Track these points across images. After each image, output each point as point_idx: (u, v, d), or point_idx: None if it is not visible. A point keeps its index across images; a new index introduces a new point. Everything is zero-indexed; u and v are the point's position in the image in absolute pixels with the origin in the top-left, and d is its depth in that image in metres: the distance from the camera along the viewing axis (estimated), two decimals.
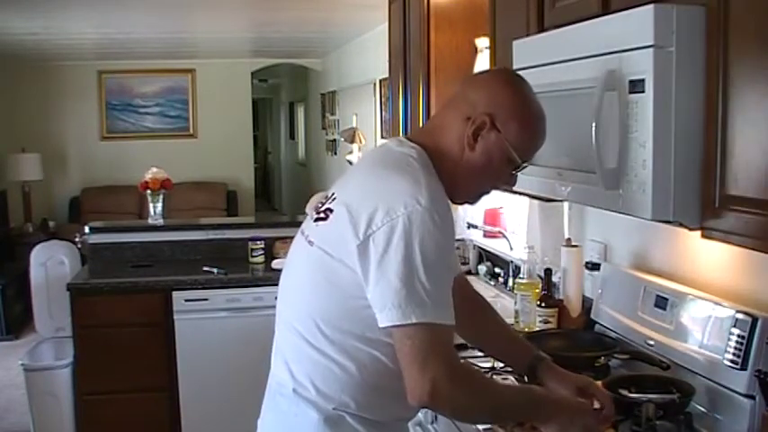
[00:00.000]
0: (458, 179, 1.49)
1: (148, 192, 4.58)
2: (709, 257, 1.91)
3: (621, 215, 1.67)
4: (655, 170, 1.45)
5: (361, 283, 1.38)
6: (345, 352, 1.44)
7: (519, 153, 1.48)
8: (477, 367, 2.12)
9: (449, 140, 1.50)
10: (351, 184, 1.52)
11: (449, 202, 1.47)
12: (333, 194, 1.50)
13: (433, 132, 1.54)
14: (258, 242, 4.23)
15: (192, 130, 8.81)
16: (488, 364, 2.10)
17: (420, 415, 2.20)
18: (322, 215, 1.48)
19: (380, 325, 1.36)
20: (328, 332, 1.44)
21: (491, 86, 1.51)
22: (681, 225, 1.52)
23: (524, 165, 1.52)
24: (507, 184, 1.56)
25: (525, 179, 2.02)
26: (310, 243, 1.49)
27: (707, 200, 1.43)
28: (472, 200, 1.60)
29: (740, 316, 1.67)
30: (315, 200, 4.84)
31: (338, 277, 1.41)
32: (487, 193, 1.59)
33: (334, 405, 1.46)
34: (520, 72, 1.99)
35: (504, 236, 3.23)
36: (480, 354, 2.10)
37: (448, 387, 1.32)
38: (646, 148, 1.46)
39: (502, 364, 2.03)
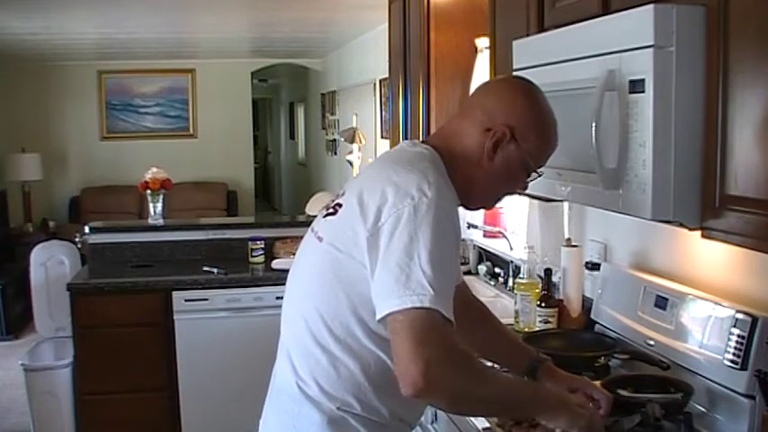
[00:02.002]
0: (474, 186, 1.52)
1: (148, 192, 4.57)
2: (709, 257, 1.91)
3: (621, 215, 1.67)
4: (655, 170, 1.45)
5: (369, 279, 1.37)
6: (350, 351, 1.44)
7: (535, 161, 1.52)
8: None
9: (465, 147, 1.51)
10: (361, 181, 1.53)
11: (456, 202, 1.48)
12: (343, 192, 1.52)
13: (448, 137, 1.56)
14: (258, 242, 4.23)
15: (192, 130, 8.81)
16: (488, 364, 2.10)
17: None
18: (331, 210, 1.50)
19: (379, 315, 1.33)
20: (334, 330, 1.44)
21: (509, 97, 1.53)
22: (681, 225, 1.52)
23: (540, 171, 1.56)
24: (522, 189, 1.59)
25: None
26: (320, 239, 1.50)
27: (707, 200, 1.43)
28: (488, 205, 1.63)
29: (740, 316, 1.67)
30: (315, 200, 4.84)
31: (347, 273, 1.42)
32: (501, 198, 1.63)
33: (338, 405, 1.45)
34: (520, 72, 2.01)
35: (504, 236, 3.23)
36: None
37: (443, 368, 1.28)
38: (646, 148, 1.46)
39: (498, 367, 2.03)
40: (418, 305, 1.28)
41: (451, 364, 1.30)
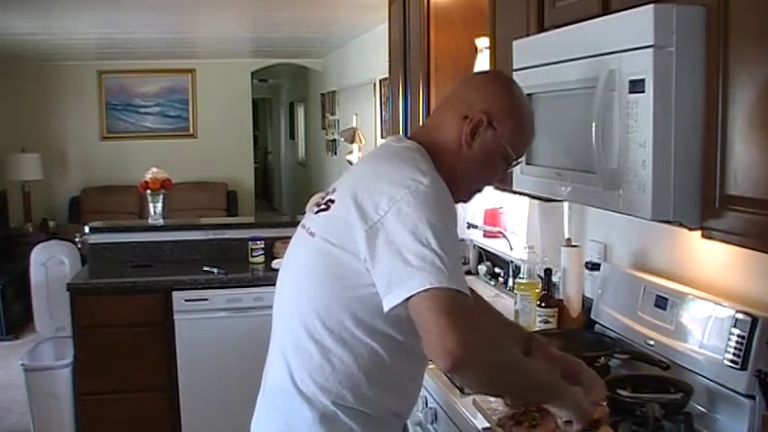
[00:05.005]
0: (456, 175, 1.53)
1: (148, 192, 4.58)
2: (709, 257, 1.91)
3: (621, 215, 1.67)
4: (655, 170, 1.45)
5: (363, 271, 1.39)
6: (344, 343, 1.45)
7: (513, 149, 1.55)
8: None
9: (446, 138, 1.55)
10: (352, 177, 1.55)
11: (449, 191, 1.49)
12: (333, 188, 1.54)
13: (430, 131, 1.59)
14: (258, 242, 4.23)
15: (192, 130, 8.81)
16: None
17: (420, 415, 2.20)
18: (323, 206, 1.52)
19: (394, 301, 1.33)
20: (327, 322, 1.45)
21: (487, 87, 1.58)
22: (681, 225, 1.52)
23: (518, 161, 1.60)
24: (501, 180, 1.63)
25: (525, 179, 2.03)
26: (312, 234, 1.51)
27: (707, 200, 1.43)
28: (467, 197, 1.64)
29: (740, 316, 1.67)
30: (315, 200, 4.84)
31: (340, 266, 1.43)
32: (481, 190, 1.64)
33: (332, 398, 1.46)
34: (520, 72, 2.01)
35: (504, 236, 3.23)
36: None
37: (477, 339, 1.30)
38: (646, 148, 1.46)
39: None
40: (436, 285, 1.30)
41: (482, 336, 1.34)
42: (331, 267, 1.45)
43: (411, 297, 1.31)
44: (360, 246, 1.39)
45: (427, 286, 1.29)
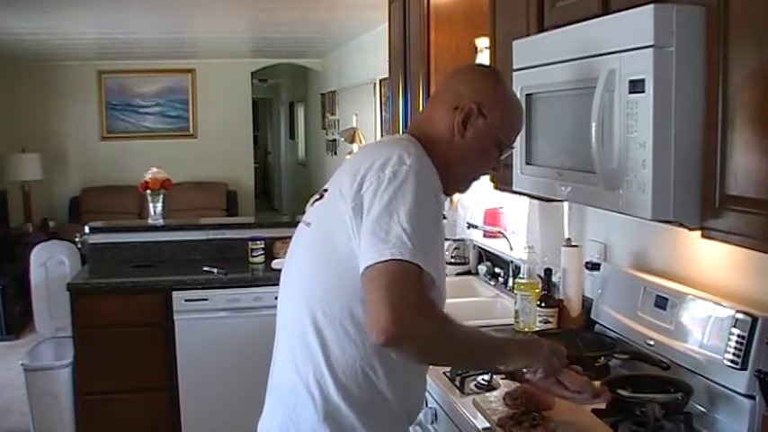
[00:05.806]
0: (450, 166, 1.56)
1: (148, 192, 4.58)
2: (709, 257, 1.91)
3: (621, 215, 1.67)
4: (655, 170, 1.45)
5: (356, 253, 1.41)
6: (345, 332, 1.46)
7: (504, 135, 1.60)
8: None
9: (438, 130, 1.58)
10: (346, 166, 1.59)
11: (438, 179, 1.51)
12: (329, 180, 1.60)
13: (422, 125, 1.63)
14: (258, 242, 4.24)
15: (191, 130, 8.81)
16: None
17: (420, 415, 2.20)
18: (318, 197, 1.58)
19: (361, 275, 1.36)
20: (329, 312, 1.47)
21: (474, 78, 1.63)
22: (681, 225, 1.52)
23: (510, 148, 1.65)
24: (495, 168, 1.65)
25: (525, 179, 2.03)
26: (308, 225, 1.56)
27: (707, 200, 1.43)
28: (463, 187, 1.68)
29: (740, 316, 1.67)
30: (314, 199, 4.84)
31: (335, 252, 1.45)
32: (477, 179, 1.68)
33: (335, 391, 1.47)
34: (520, 72, 2.02)
35: (504, 236, 3.23)
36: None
37: (414, 315, 1.32)
38: (646, 148, 1.46)
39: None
40: (398, 257, 1.32)
41: (421, 312, 1.34)
42: (328, 254, 1.48)
43: (368, 267, 1.33)
44: (349, 227, 1.42)
45: (387, 257, 1.32)
